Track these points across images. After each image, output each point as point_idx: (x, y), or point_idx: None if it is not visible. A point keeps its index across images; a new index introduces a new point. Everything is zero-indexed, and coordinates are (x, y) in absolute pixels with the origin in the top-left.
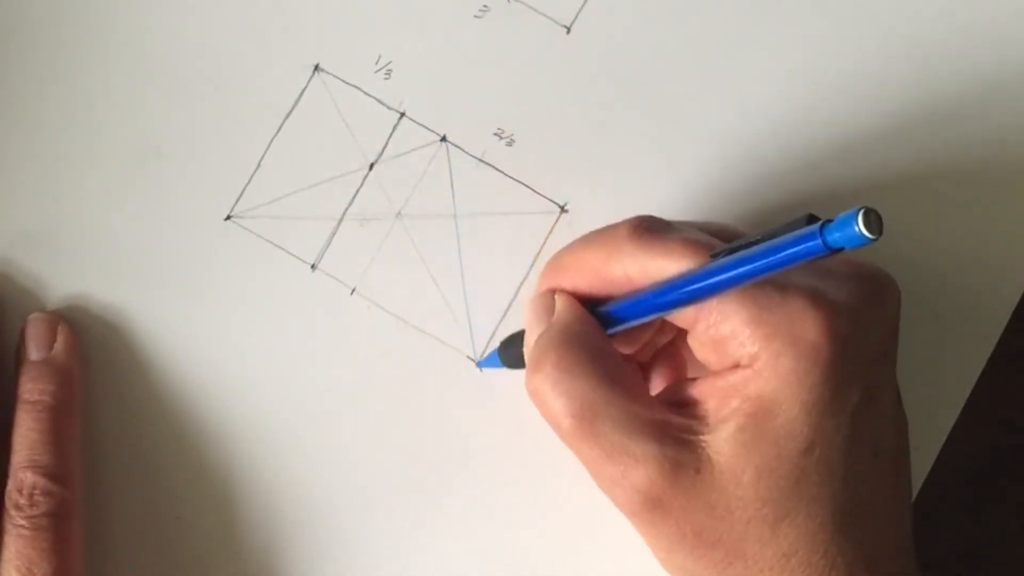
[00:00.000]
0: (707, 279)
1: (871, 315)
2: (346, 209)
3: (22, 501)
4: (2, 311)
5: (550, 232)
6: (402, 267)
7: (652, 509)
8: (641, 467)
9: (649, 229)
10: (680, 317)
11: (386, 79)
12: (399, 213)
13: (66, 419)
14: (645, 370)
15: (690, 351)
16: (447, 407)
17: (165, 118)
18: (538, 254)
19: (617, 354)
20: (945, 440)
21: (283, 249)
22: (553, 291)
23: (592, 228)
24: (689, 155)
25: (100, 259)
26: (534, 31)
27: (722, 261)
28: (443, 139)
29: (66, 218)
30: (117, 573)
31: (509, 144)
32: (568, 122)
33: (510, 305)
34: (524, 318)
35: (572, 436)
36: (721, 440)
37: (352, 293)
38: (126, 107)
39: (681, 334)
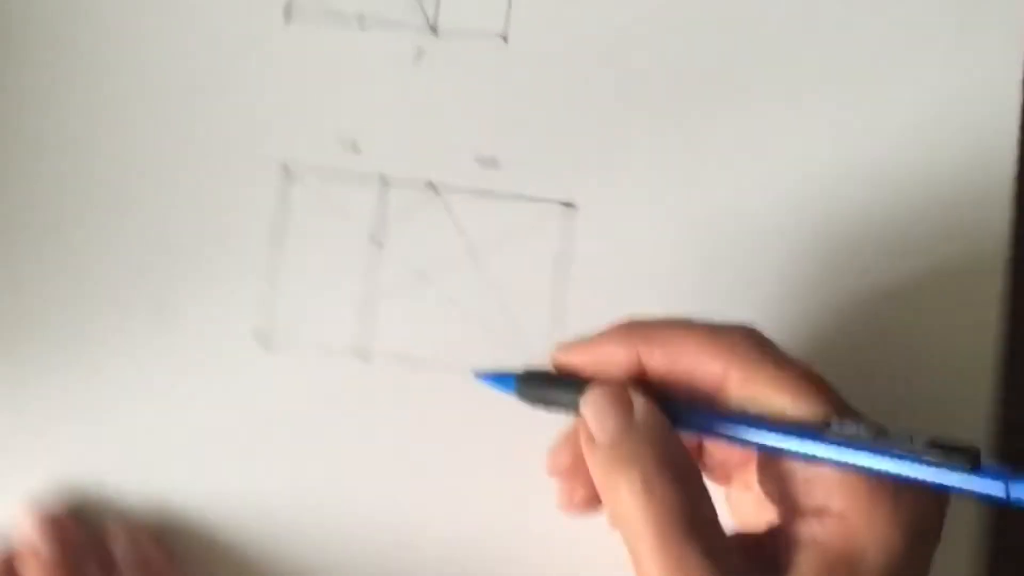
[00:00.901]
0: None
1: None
2: (366, 287)
3: None
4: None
5: (563, 231)
6: (424, 313)
7: None
8: None
9: (771, 345)
10: None
11: (356, 153)
12: (418, 271)
13: None
14: None
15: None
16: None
17: (165, 266)
18: (559, 253)
19: (701, 479)
20: None
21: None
22: (624, 381)
23: (604, 216)
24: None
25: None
26: (473, 52)
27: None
28: (430, 184)
29: None
30: None
31: (494, 165)
32: (536, 125)
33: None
34: (587, 407)
35: (649, 559)
36: None
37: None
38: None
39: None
